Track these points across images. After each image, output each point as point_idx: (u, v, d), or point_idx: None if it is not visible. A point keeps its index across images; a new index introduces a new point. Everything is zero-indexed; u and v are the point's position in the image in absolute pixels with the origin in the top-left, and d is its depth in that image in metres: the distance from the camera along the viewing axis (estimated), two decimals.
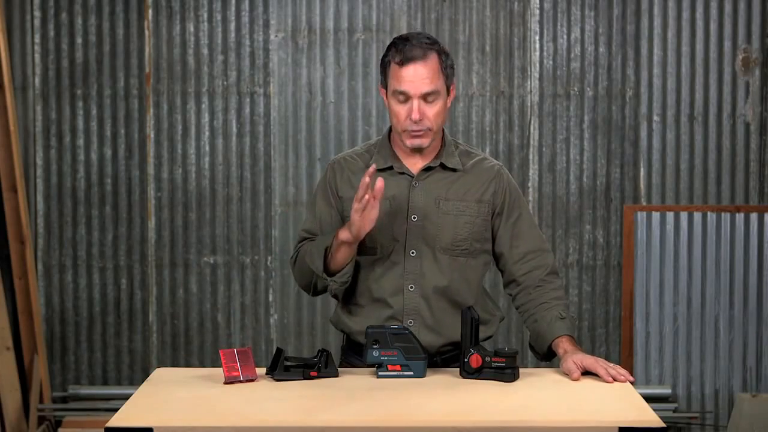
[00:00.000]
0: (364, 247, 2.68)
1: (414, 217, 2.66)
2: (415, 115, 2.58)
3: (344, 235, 2.58)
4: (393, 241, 2.66)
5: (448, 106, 2.67)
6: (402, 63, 2.58)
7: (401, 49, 2.60)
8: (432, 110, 2.60)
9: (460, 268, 2.68)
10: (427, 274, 2.66)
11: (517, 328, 4.85)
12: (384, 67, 2.66)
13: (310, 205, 2.81)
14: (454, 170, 2.70)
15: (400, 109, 2.61)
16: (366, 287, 2.70)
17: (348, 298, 2.75)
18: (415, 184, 2.68)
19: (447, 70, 2.63)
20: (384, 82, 2.67)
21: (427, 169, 2.68)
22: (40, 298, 4.84)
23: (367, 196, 2.49)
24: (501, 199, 2.71)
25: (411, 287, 2.66)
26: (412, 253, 2.66)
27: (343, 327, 2.77)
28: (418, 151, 2.67)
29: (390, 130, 2.73)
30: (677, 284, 4.84)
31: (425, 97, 2.59)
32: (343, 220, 2.72)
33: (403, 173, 2.68)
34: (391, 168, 2.69)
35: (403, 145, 2.67)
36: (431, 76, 2.58)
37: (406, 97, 2.59)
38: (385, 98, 2.68)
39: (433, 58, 2.60)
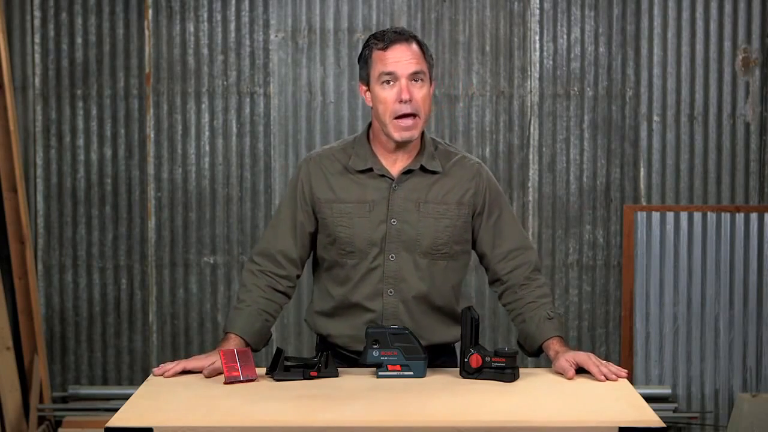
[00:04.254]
0: (342, 251, 2.63)
1: (393, 221, 2.61)
2: (405, 95, 2.52)
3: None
4: (371, 246, 2.61)
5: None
6: (386, 47, 2.55)
7: (381, 37, 2.58)
8: (420, 93, 2.55)
9: (441, 272, 2.64)
10: (407, 278, 2.62)
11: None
12: (365, 60, 2.61)
13: (276, 213, 2.72)
14: (434, 172, 2.64)
15: (388, 94, 2.55)
16: (343, 291, 2.65)
17: (323, 300, 2.71)
18: (395, 187, 2.62)
19: (429, 59, 2.61)
20: (365, 78, 2.61)
21: (407, 171, 2.63)
22: (40, 298, 4.84)
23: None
24: (482, 199, 2.67)
25: (390, 292, 2.62)
26: (391, 257, 2.61)
27: (320, 330, 2.72)
28: (403, 146, 2.60)
29: (368, 128, 2.67)
30: (677, 284, 4.84)
31: (412, 78, 2.55)
32: (317, 222, 2.66)
33: (383, 175, 2.62)
34: (370, 170, 2.63)
35: (389, 141, 2.60)
36: (416, 58, 2.56)
37: (394, 78, 2.54)
38: (365, 96, 2.63)
39: (414, 44, 2.58)
